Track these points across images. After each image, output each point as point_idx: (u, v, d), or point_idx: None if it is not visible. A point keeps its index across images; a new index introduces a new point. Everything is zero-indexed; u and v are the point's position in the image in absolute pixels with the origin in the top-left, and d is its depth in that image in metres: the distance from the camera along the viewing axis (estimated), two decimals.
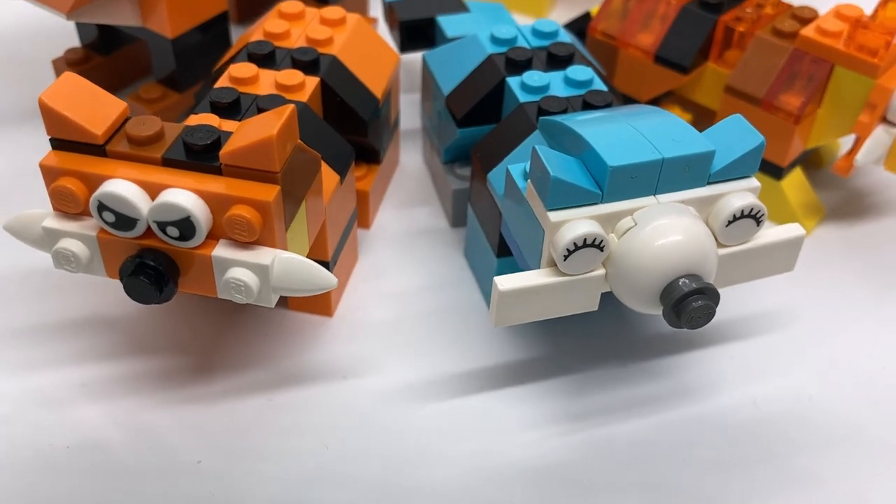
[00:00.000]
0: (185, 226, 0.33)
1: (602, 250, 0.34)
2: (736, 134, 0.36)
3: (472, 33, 0.48)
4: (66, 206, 0.34)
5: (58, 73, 0.56)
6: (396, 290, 0.45)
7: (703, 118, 0.52)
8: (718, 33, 0.49)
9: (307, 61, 0.43)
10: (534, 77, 0.42)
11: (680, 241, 0.33)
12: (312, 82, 0.42)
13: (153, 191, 0.33)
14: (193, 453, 0.38)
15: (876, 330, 0.44)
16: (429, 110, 0.50)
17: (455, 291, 0.45)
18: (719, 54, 0.50)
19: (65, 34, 0.59)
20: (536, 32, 0.46)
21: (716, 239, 0.36)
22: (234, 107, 0.40)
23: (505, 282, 0.34)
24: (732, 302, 0.45)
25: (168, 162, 0.34)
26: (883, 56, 0.44)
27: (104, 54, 0.56)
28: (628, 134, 0.35)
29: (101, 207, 0.33)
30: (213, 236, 0.34)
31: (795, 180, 0.50)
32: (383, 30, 0.61)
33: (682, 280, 0.33)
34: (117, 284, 0.42)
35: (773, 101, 0.46)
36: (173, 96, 0.53)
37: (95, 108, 0.34)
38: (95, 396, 0.40)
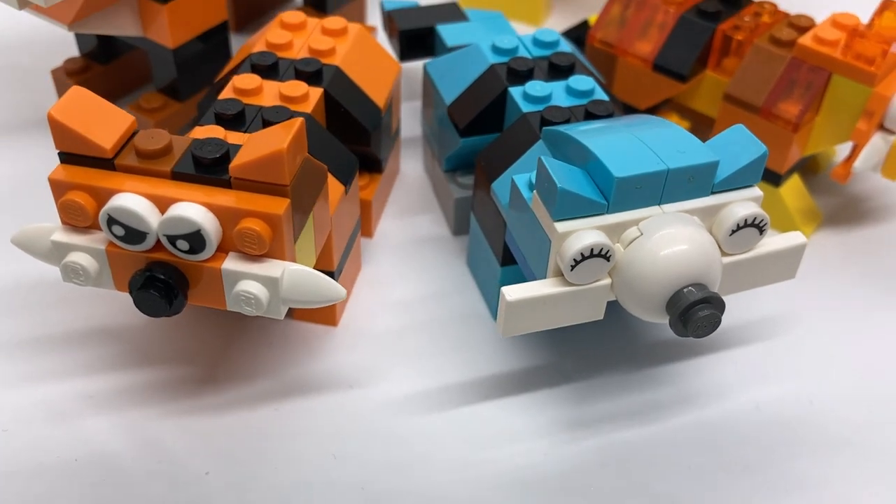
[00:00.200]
0: (196, 239, 0.33)
1: (608, 260, 0.34)
2: (738, 144, 0.36)
3: (471, 42, 0.49)
4: (75, 219, 0.34)
5: (57, 82, 0.56)
6: (400, 298, 0.46)
7: (701, 126, 0.53)
8: (717, 41, 0.50)
9: (311, 72, 0.43)
10: (536, 87, 0.43)
11: (685, 251, 0.34)
12: (316, 93, 0.43)
13: (163, 204, 0.33)
14: (201, 464, 0.38)
15: (875, 334, 0.45)
16: (430, 119, 0.50)
17: (458, 299, 0.46)
18: (717, 62, 0.51)
19: (64, 44, 0.59)
20: (537, 42, 0.46)
21: (719, 248, 0.36)
22: (238, 118, 0.40)
23: (513, 292, 0.35)
24: (734, 308, 0.45)
25: (177, 175, 0.34)
26: (880, 64, 0.44)
27: (103, 63, 0.56)
28: (633, 145, 0.35)
29: (111, 221, 0.33)
30: (223, 249, 0.34)
31: (793, 186, 0.50)
32: (382, 38, 0.61)
33: (687, 289, 0.34)
34: (123, 295, 0.42)
35: (772, 109, 0.47)
36: (174, 106, 0.53)
37: (104, 121, 0.34)
38: (102, 408, 0.40)
